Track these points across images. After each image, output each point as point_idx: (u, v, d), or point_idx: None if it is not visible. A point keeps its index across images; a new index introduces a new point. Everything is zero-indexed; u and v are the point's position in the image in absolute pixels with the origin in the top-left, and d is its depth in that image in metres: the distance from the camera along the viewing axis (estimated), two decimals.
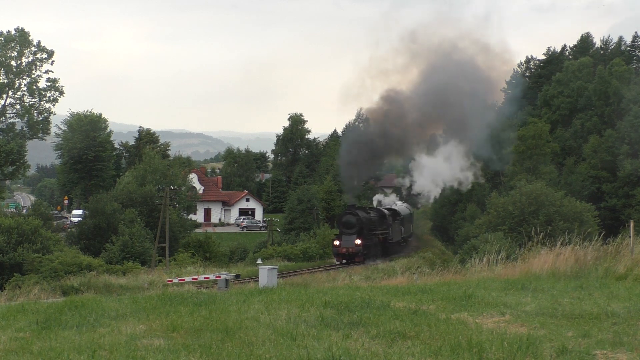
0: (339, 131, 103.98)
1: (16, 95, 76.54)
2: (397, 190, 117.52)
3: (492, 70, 68.27)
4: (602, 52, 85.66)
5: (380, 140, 58.78)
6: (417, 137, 67.90)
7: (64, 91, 78.18)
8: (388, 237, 54.25)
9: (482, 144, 65.79)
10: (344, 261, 47.48)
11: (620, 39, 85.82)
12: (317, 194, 79.80)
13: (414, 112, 62.57)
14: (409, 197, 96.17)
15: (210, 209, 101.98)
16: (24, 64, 75.98)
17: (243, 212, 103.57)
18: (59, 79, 77.66)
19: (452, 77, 61.36)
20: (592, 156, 67.17)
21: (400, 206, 66.98)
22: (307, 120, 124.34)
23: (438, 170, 69.45)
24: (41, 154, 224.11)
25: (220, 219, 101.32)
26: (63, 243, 49.80)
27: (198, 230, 72.75)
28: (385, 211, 56.39)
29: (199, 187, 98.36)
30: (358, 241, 47.10)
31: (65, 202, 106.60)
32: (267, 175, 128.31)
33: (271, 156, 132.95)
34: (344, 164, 56.85)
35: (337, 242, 48.00)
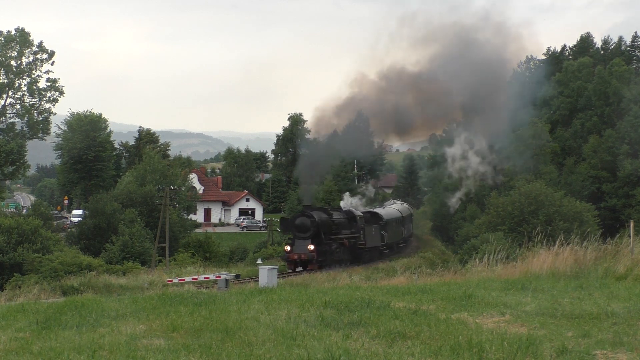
0: (339, 131, 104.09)
1: (16, 95, 76.51)
2: (397, 189, 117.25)
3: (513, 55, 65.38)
4: (602, 52, 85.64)
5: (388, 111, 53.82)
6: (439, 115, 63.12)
7: (64, 91, 78.20)
8: (358, 242, 48.25)
9: (505, 141, 64.50)
10: (298, 269, 42.18)
11: (620, 39, 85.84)
12: (317, 194, 79.69)
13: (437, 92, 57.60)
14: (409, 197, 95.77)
15: (210, 209, 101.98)
16: (24, 64, 75.95)
17: (243, 212, 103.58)
18: (59, 79, 77.71)
19: (469, 62, 57.94)
20: (592, 156, 67.18)
21: (388, 208, 62.17)
22: (306, 120, 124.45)
23: (470, 167, 68.12)
24: (41, 154, 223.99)
25: (220, 219, 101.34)
26: (63, 243, 49.79)
27: (198, 230, 72.75)
28: (357, 213, 50.49)
29: (199, 187, 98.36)
30: (311, 247, 41.74)
31: (65, 202, 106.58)
32: (267, 175, 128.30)
33: (271, 156, 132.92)
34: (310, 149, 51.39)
35: (288, 248, 42.73)
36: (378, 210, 58.21)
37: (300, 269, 41.79)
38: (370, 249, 51.07)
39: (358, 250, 48.37)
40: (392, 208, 63.45)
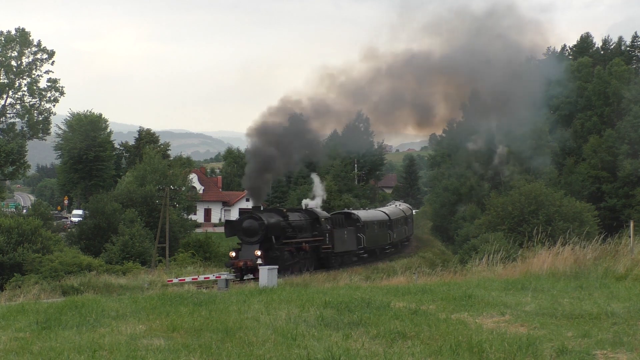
0: (339, 131, 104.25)
1: (16, 96, 76.49)
2: (397, 189, 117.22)
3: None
4: (602, 52, 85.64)
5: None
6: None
7: (64, 91, 78.20)
8: (322, 245, 43.62)
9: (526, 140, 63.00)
10: (248, 276, 36.58)
11: (620, 39, 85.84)
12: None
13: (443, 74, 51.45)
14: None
15: (210, 209, 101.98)
16: (24, 64, 75.94)
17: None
18: (59, 79, 77.70)
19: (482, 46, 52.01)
20: (592, 156, 67.18)
21: (371, 210, 58.05)
22: (306, 120, 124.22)
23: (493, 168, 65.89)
24: (41, 154, 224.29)
25: (220, 219, 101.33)
26: (63, 243, 49.76)
27: (198, 230, 72.74)
28: (322, 214, 45.65)
29: (199, 187, 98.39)
30: (258, 252, 37.11)
31: (65, 202, 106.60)
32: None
33: None
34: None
35: (233, 254, 37.77)
36: (355, 211, 53.61)
37: (251, 275, 37.14)
38: (341, 253, 46.58)
39: (323, 255, 44.03)
40: (378, 210, 59.38)
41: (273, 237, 38.71)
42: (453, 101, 59.67)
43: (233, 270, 36.32)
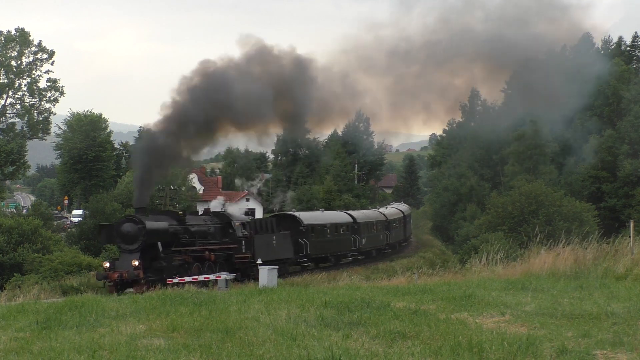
0: (339, 131, 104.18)
1: (16, 95, 76.46)
2: (397, 189, 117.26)
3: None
4: (602, 52, 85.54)
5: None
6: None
7: (65, 91, 78.18)
8: (235, 254, 36.77)
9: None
10: (128, 290, 30.41)
11: (620, 39, 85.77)
12: (317, 194, 79.68)
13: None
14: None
15: (210, 209, 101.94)
16: (24, 64, 75.93)
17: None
18: (59, 79, 77.68)
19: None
20: (592, 156, 67.19)
21: (327, 212, 51.67)
22: (307, 120, 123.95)
23: None
24: (41, 154, 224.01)
25: None
26: (63, 243, 49.80)
27: None
28: (237, 217, 39.14)
29: (199, 187, 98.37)
30: (136, 262, 30.84)
31: (65, 202, 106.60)
32: (267, 175, 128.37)
33: (271, 156, 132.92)
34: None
35: (107, 264, 31.32)
36: (299, 213, 47.63)
37: (131, 290, 30.69)
38: (269, 263, 37.59)
39: (238, 265, 36.87)
40: (343, 212, 53.11)
41: (159, 244, 32.71)
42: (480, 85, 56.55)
43: (110, 284, 30.89)
